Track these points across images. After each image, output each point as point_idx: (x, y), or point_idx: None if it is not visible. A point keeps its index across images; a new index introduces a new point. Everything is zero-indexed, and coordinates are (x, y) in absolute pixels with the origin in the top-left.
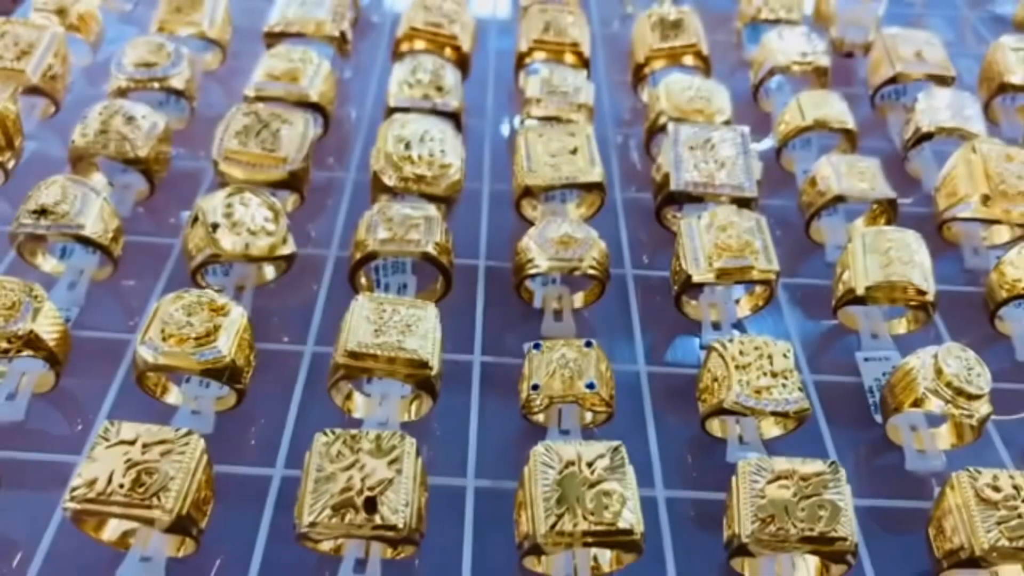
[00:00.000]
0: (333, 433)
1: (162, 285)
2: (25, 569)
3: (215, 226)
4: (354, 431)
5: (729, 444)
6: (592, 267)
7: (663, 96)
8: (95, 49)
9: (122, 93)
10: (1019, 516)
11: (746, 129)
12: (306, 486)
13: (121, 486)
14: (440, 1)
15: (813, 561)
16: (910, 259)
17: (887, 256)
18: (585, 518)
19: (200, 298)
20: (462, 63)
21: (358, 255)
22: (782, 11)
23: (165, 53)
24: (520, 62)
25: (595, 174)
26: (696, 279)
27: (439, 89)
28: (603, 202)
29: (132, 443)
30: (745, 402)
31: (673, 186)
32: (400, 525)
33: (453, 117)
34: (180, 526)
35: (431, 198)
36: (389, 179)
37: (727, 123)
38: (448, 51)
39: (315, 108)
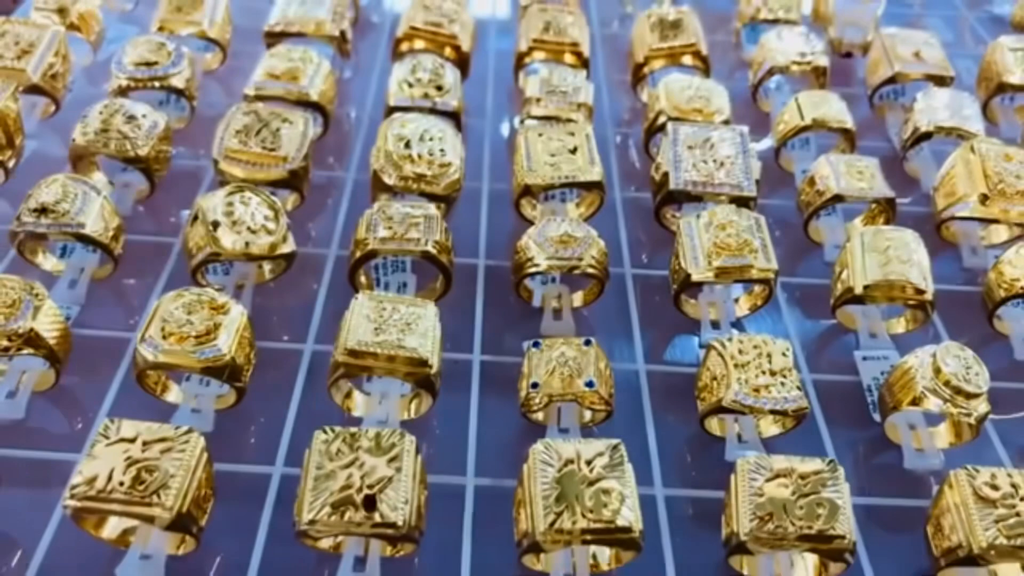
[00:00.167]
0: (333, 431)
1: (162, 284)
2: (25, 567)
3: (215, 224)
4: (353, 429)
5: (728, 443)
6: (591, 266)
7: (662, 96)
8: (96, 48)
9: (123, 92)
10: (1017, 514)
11: (745, 129)
12: (306, 484)
13: (121, 484)
14: (440, 1)
15: (811, 559)
16: (908, 258)
17: (886, 255)
18: (584, 516)
19: (200, 296)
20: (462, 62)
21: (358, 253)
22: (781, 11)
23: (166, 52)
24: (520, 62)
25: (594, 173)
26: (695, 278)
27: (439, 88)
28: (602, 201)
29: (132, 441)
30: (744, 400)
31: (672, 185)
32: (399, 523)
33: (453, 116)
34: (180, 524)
35: (431, 197)
36: (389, 178)
37: (726, 123)
38: (448, 50)
39: (315, 107)
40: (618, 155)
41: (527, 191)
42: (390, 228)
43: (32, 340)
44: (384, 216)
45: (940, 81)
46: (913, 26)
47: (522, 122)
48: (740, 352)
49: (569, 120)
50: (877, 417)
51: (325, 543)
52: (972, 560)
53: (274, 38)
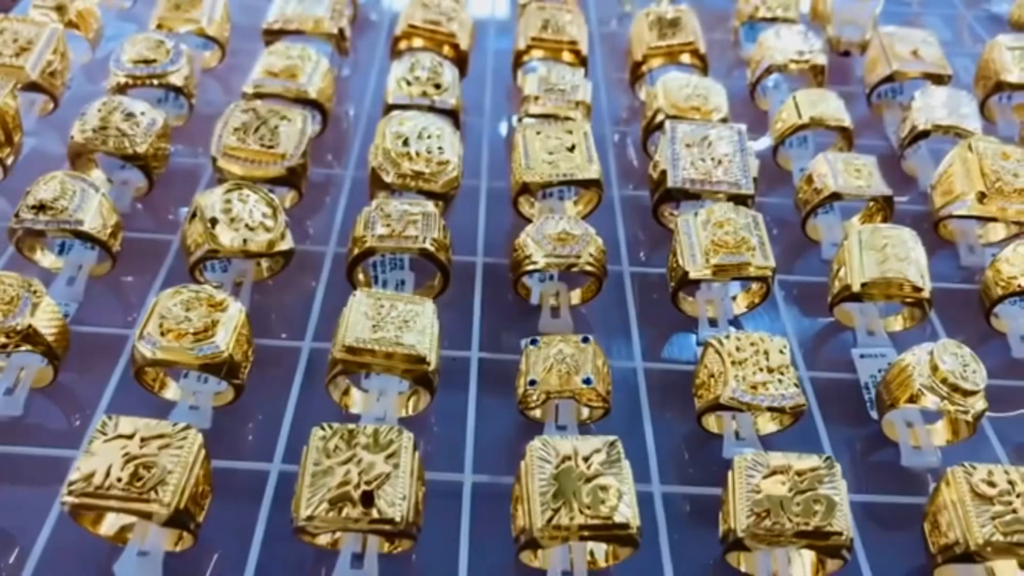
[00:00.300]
0: (330, 427)
1: (160, 281)
2: (23, 564)
3: (213, 222)
4: (351, 426)
5: (725, 440)
6: (589, 263)
7: (661, 94)
8: (94, 46)
9: (121, 90)
10: (1014, 511)
11: (743, 127)
12: (303, 480)
13: (119, 480)
14: None
15: (808, 556)
16: (906, 256)
17: (883, 253)
18: (581, 512)
19: (198, 293)
20: (460, 61)
21: (356, 251)
22: (779, 10)
23: (164, 50)
24: (518, 60)
25: (592, 171)
26: (693, 275)
27: (437, 87)
28: (600, 199)
29: (130, 437)
30: (741, 398)
31: (670, 183)
32: (397, 519)
33: (451, 114)
34: (178, 520)
35: (429, 195)
36: (387, 175)
37: (724, 121)
38: (446, 49)
39: (314, 105)
40: (616, 153)
41: (525, 189)
42: (388, 226)
43: (30, 337)
44: (382, 214)
45: (938, 79)
46: (911, 25)
47: (520, 120)
48: (738, 349)
49: (567, 118)
50: (874, 415)
51: (323, 539)
52: (969, 557)
53: (272, 36)
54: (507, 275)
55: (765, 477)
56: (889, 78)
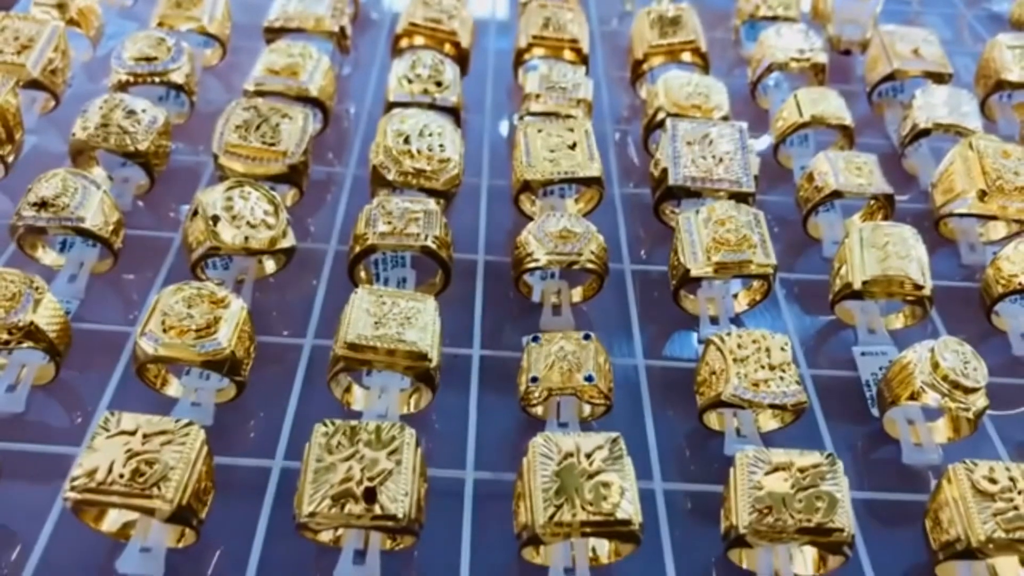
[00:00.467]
0: (333, 424)
1: (162, 279)
2: (25, 560)
3: (215, 219)
4: (354, 422)
5: (727, 437)
6: (591, 261)
7: (662, 92)
8: (95, 44)
9: (122, 87)
10: (1015, 508)
11: (744, 125)
12: (306, 476)
13: (121, 476)
14: None
15: (810, 552)
16: (907, 254)
17: (884, 251)
18: (584, 508)
19: (200, 290)
20: (461, 59)
21: (357, 248)
22: (780, 8)
23: (165, 48)
24: (519, 58)
25: (594, 169)
26: (694, 273)
27: (438, 84)
28: (602, 197)
29: (132, 433)
30: (743, 395)
31: (671, 181)
32: (400, 515)
33: (452, 112)
34: (180, 516)
35: (430, 192)
36: (388, 173)
37: (725, 119)
38: (447, 47)
39: (315, 103)
40: (617, 151)
41: (526, 187)
42: (390, 223)
43: (32, 333)
44: (384, 211)
45: (939, 78)
46: (912, 24)
47: (521, 118)
48: (739, 347)
49: (568, 116)
50: (876, 412)
51: (325, 536)
52: (970, 553)
53: (274, 34)
54: (508, 273)
55: (767, 474)
56: (890, 77)
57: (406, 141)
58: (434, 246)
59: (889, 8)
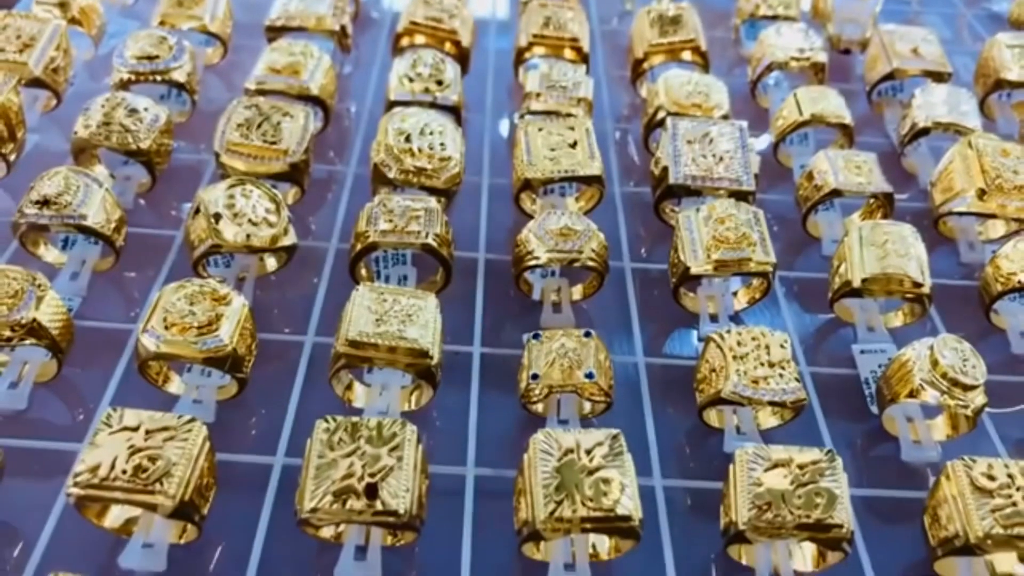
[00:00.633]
0: (334, 420)
1: (163, 277)
2: (27, 557)
3: (217, 217)
4: (355, 419)
5: (726, 434)
6: (591, 259)
7: (662, 91)
8: (96, 43)
9: (124, 86)
10: (1013, 504)
11: (744, 124)
12: (307, 472)
13: (124, 472)
14: None
15: (809, 548)
16: (906, 252)
17: (884, 249)
18: (584, 504)
19: (202, 287)
20: (462, 58)
21: (359, 246)
22: (780, 8)
23: (167, 46)
24: (520, 57)
25: (594, 167)
26: (694, 270)
27: (439, 83)
28: (602, 196)
29: (135, 429)
30: (743, 392)
31: (672, 179)
32: (401, 511)
33: (453, 111)
34: (182, 512)
35: (431, 191)
36: (390, 171)
37: (725, 118)
38: (448, 46)
39: (316, 102)
40: (617, 150)
41: (527, 185)
42: (391, 221)
43: (35, 330)
44: (385, 209)
45: (938, 77)
46: (911, 23)
47: (522, 117)
48: (739, 344)
49: (569, 115)
50: (875, 410)
51: (326, 532)
52: (969, 550)
53: (275, 33)
54: (508, 271)
55: (767, 470)
56: (889, 76)
57: (407, 139)
58: (435, 244)
59: (889, 7)
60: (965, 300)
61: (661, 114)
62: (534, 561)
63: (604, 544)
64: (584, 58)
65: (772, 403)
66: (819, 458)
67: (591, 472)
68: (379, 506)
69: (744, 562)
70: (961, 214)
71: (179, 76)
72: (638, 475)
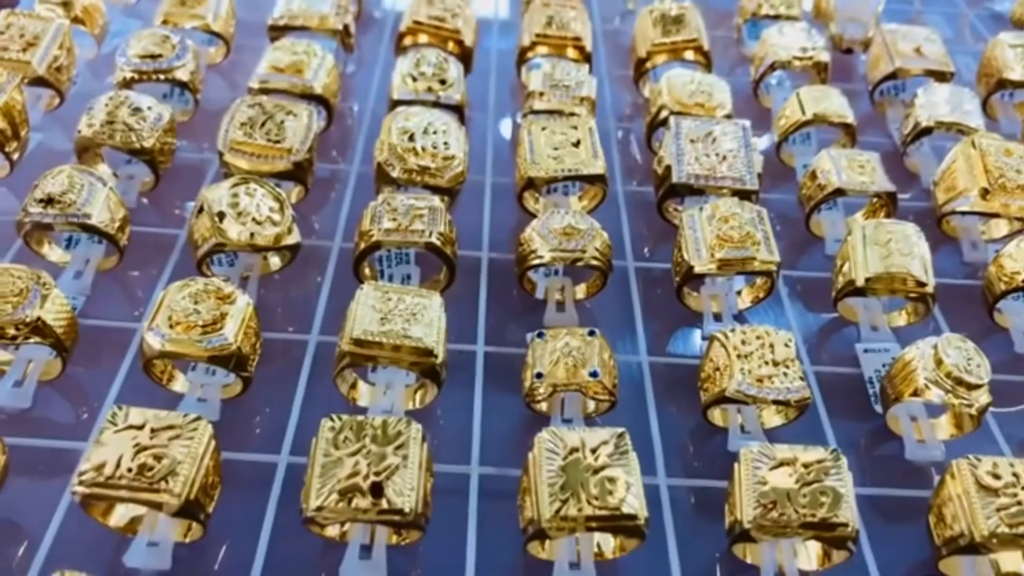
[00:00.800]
0: (340, 419)
1: (167, 276)
2: (32, 555)
3: (221, 216)
4: (360, 417)
5: (730, 433)
6: (595, 258)
7: (665, 90)
8: (99, 42)
9: (127, 84)
10: (1019, 503)
11: (747, 123)
12: (313, 471)
13: (129, 470)
14: None
15: (814, 547)
16: (910, 251)
17: (887, 248)
18: (589, 503)
19: (207, 286)
20: (465, 57)
21: (363, 245)
22: (782, 7)
23: (170, 45)
24: (522, 56)
25: (598, 166)
26: (698, 269)
27: (442, 82)
28: (605, 195)
29: (140, 428)
30: (747, 390)
31: (675, 178)
32: (406, 509)
33: (456, 110)
34: (188, 510)
35: (435, 189)
36: (393, 170)
37: (728, 117)
38: (451, 45)
39: (319, 101)
40: (620, 150)
41: (530, 184)
42: (395, 220)
43: (39, 329)
44: (389, 208)
45: (940, 77)
46: (913, 23)
47: (525, 116)
48: (743, 343)
49: (572, 114)
50: (879, 409)
51: (332, 530)
52: (974, 548)
53: (278, 32)
54: (512, 270)
55: (771, 469)
56: (892, 75)
57: (411, 138)
58: (439, 243)
59: (891, 7)
60: (968, 299)
61: (664, 113)
62: (539, 560)
63: (609, 543)
64: (587, 57)
65: (776, 402)
66: (824, 457)
67: (596, 471)
68: (384, 504)
69: (749, 561)
70: (964, 213)
71: (182, 75)
72: (642, 474)
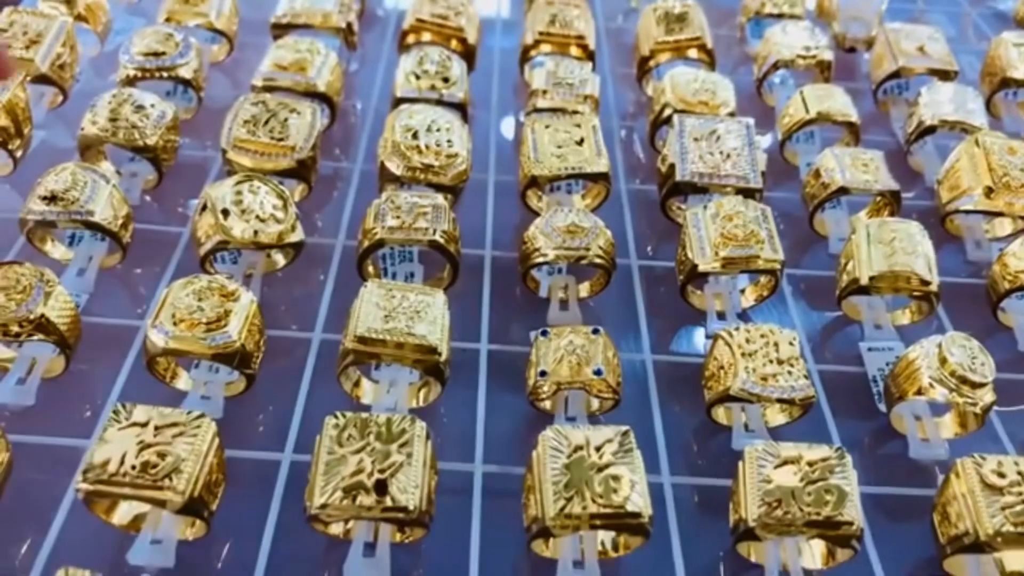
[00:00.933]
0: (343, 416)
1: (170, 273)
2: (36, 552)
3: (225, 213)
4: (364, 415)
5: (734, 431)
6: (599, 256)
7: (668, 88)
8: (103, 39)
9: (130, 82)
10: None
11: (751, 121)
12: (317, 468)
13: (133, 468)
14: None
15: (819, 546)
16: (914, 250)
17: (891, 246)
18: (594, 501)
19: (211, 283)
20: (468, 55)
21: (366, 243)
22: (785, 6)
23: (173, 43)
24: (526, 54)
25: (601, 164)
26: (702, 268)
27: (446, 80)
28: (609, 193)
29: (144, 425)
30: (751, 389)
31: (679, 176)
32: (411, 507)
33: (459, 108)
34: (191, 508)
35: (438, 187)
36: (397, 168)
37: (732, 115)
38: (454, 43)
39: (322, 99)
40: (623, 148)
41: (533, 182)
42: (398, 217)
43: (43, 326)
44: (392, 205)
45: (944, 76)
46: (917, 22)
47: (528, 114)
48: (747, 341)
49: (575, 112)
50: (883, 407)
51: (336, 528)
52: (979, 547)
53: (281, 30)
54: (515, 268)
55: (776, 467)
56: (895, 74)
57: (414, 136)
58: (442, 240)
59: (894, 6)
60: (972, 298)
61: (667, 111)
62: (543, 558)
63: (613, 541)
64: (590, 56)
65: (781, 400)
66: (829, 455)
67: (601, 469)
68: (388, 502)
69: (753, 559)
70: (968, 212)
71: (185, 73)
72: (646, 472)
